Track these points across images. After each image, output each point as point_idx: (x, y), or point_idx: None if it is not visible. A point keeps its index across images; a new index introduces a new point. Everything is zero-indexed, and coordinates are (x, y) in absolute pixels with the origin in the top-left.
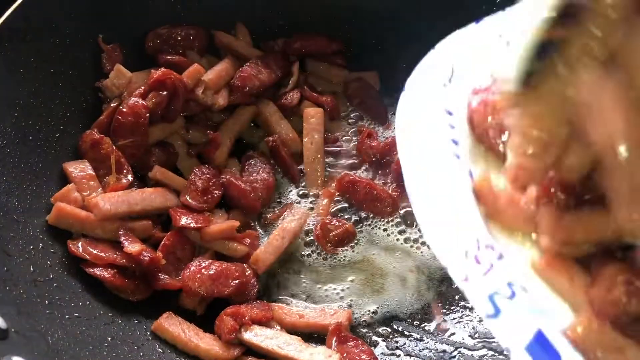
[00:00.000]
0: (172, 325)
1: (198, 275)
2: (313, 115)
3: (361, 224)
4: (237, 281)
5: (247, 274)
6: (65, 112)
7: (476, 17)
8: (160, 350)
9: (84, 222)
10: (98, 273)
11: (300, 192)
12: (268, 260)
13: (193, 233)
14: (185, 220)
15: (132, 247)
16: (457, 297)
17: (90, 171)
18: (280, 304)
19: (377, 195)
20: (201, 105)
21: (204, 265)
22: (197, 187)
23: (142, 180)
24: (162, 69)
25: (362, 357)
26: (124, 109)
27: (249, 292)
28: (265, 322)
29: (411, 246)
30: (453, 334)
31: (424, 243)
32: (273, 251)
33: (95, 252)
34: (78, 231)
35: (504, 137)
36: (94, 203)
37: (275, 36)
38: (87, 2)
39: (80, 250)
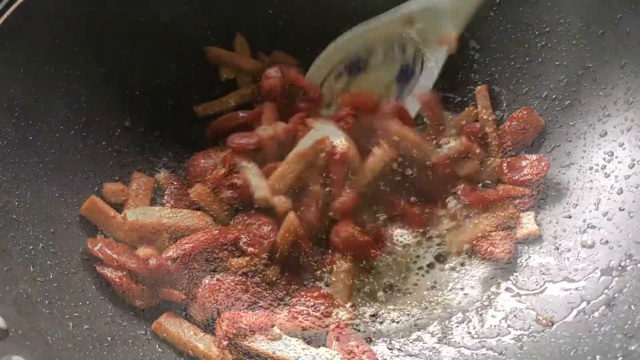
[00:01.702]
0: (172, 325)
1: (213, 293)
2: None
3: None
4: (251, 298)
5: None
6: (66, 112)
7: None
8: (160, 350)
9: (110, 221)
10: (108, 274)
11: None
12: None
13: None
14: None
15: (143, 250)
16: (457, 297)
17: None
18: (281, 305)
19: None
20: None
21: (217, 281)
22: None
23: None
24: None
25: (363, 357)
26: None
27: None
28: (264, 328)
29: (409, 247)
30: (453, 334)
31: (422, 247)
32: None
33: (109, 252)
34: (103, 228)
35: None
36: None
37: (275, 40)
38: (86, 4)
39: (97, 249)
